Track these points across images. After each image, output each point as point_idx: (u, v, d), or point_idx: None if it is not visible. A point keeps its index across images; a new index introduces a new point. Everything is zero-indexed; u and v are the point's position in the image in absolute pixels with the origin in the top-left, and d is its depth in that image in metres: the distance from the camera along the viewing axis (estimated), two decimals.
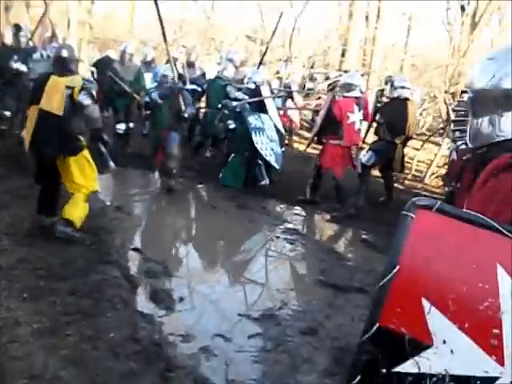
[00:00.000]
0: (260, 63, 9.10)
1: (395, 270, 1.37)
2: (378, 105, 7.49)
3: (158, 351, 3.27)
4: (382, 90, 7.88)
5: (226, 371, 3.22)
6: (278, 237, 5.81)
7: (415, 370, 1.35)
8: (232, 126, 7.48)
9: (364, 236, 6.14)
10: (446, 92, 11.60)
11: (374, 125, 7.70)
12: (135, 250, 4.91)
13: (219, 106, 7.77)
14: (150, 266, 4.62)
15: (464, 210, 1.48)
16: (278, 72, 10.08)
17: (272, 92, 8.57)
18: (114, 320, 3.45)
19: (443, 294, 1.34)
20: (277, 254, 5.35)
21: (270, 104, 7.62)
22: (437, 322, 1.34)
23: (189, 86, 8.11)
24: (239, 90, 7.89)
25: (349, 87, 6.82)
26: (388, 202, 7.36)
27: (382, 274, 1.41)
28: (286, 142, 9.70)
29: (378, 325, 1.37)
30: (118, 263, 4.40)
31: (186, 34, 19.55)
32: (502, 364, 1.32)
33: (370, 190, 7.35)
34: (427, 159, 11.08)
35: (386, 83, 7.99)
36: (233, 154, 7.46)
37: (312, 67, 16.52)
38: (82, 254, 4.39)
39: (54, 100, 4.55)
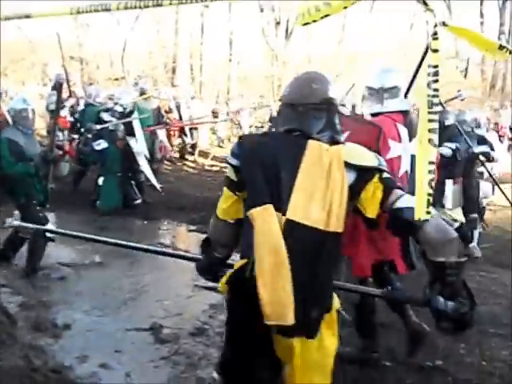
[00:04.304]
0: None
1: None
2: None
3: (58, 377, 3.34)
4: None
5: (128, 381, 3.40)
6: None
7: None
8: (103, 145, 7.41)
9: None
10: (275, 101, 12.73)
11: None
12: (3, 286, 4.78)
13: (82, 130, 7.72)
14: (23, 299, 4.56)
15: None
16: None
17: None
18: (8, 355, 3.42)
19: None
20: (149, 267, 5.55)
21: (138, 127, 7.76)
22: None
23: None
24: (106, 111, 7.97)
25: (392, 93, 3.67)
26: None
27: None
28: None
29: None
30: None
31: None
32: None
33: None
34: None
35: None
36: (102, 178, 7.46)
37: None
38: None
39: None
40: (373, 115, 3.66)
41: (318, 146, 2.14)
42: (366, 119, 3.69)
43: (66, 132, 8.54)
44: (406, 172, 3.54)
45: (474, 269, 5.66)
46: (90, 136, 7.67)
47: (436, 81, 2.40)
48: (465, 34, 2.85)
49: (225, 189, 2.35)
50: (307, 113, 2.21)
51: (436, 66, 2.41)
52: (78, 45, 19.14)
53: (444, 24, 2.45)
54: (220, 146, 15.51)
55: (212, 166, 13.00)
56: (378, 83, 3.70)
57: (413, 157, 3.38)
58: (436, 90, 2.46)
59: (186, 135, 12.99)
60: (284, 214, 2.07)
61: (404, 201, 2.09)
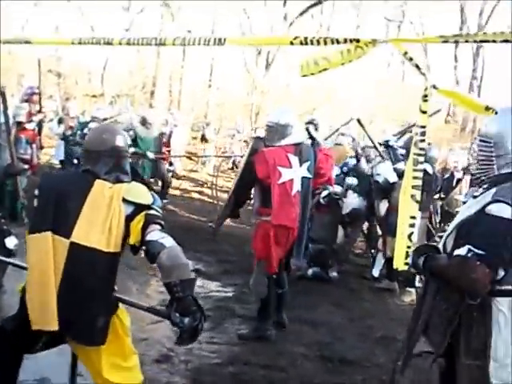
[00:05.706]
0: None
1: None
2: None
3: None
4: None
5: None
6: None
7: None
8: None
9: (196, 266, 6.56)
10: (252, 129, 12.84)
11: None
12: None
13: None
14: None
15: None
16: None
17: None
18: None
19: None
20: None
21: None
22: None
23: None
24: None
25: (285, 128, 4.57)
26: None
27: None
28: None
29: None
30: None
31: None
32: None
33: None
34: None
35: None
36: None
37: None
38: None
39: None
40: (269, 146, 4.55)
41: (102, 184, 2.68)
42: (265, 148, 4.58)
43: (34, 145, 8.40)
44: (298, 191, 4.54)
45: None
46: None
47: (423, 140, 2.50)
48: (454, 96, 3.10)
49: None
50: (98, 158, 2.75)
51: (424, 127, 2.51)
52: (56, 58, 18.95)
53: (434, 87, 2.62)
54: (194, 171, 15.50)
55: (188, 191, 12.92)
56: (274, 120, 4.60)
57: (303, 178, 4.56)
58: (422, 149, 2.58)
59: (172, 164, 12.91)
60: (69, 238, 2.57)
61: (153, 235, 2.52)
